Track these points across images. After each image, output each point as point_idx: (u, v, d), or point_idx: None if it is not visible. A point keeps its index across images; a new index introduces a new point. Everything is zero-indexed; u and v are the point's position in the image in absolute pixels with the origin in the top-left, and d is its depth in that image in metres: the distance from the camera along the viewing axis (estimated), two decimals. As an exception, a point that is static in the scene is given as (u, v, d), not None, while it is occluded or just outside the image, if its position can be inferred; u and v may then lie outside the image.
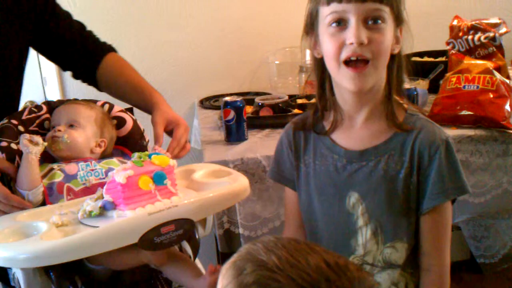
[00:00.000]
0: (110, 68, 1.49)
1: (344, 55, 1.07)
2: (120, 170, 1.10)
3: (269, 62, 2.36)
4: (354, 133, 1.18)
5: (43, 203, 1.23)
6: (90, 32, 1.54)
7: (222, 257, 1.80)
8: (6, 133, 1.29)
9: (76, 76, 1.55)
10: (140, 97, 1.44)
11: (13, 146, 1.28)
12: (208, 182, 1.26)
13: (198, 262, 1.39)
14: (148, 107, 1.42)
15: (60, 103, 1.39)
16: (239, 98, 1.74)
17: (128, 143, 1.42)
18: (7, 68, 1.43)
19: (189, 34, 2.39)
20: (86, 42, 1.51)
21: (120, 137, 1.41)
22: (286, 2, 2.37)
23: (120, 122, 1.41)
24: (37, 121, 1.36)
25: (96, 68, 1.49)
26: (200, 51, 2.41)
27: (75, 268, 1.20)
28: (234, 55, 2.42)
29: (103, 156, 1.35)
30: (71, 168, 1.26)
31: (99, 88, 1.54)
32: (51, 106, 1.39)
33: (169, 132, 1.40)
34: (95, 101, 1.43)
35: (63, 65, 1.55)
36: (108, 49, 1.53)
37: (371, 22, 1.06)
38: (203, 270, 1.37)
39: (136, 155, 1.15)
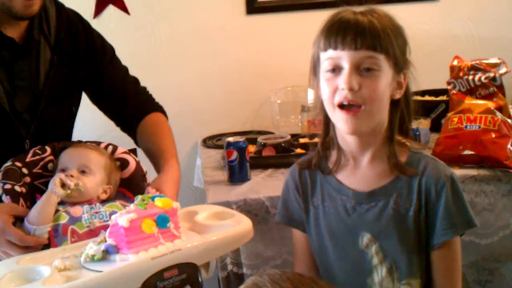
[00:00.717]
0: (147, 127, 1.53)
1: (337, 99, 1.12)
2: (123, 214, 1.10)
3: (271, 101, 2.37)
4: (360, 173, 1.20)
5: (47, 246, 1.23)
6: (143, 89, 1.60)
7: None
8: (10, 176, 1.30)
9: (118, 124, 1.59)
10: (156, 161, 1.47)
11: (17, 188, 1.29)
12: (211, 224, 1.25)
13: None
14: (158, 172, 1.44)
15: (64, 145, 1.40)
16: (242, 139, 1.74)
17: (130, 185, 1.42)
18: (61, 113, 1.48)
19: (192, 75, 2.42)
20: (136, 98, 1.56)
21: (123, 178, 1.42)
22: (287, 43, 2.40)
23: (123, 164, 1.42)
24: (41, 163, 1.37)
25: (138, 124, 1.53)
26: (203, 91, 2.44)
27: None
28: (236, 95, 2.45)
29: (107, 199, 1.35)
30: (76, 210, 1.26)
31: (136, 143, 1.57)
32: (55, 148, 1.40)
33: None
34: (99, 143, 1.44)
35: (108, 114, 1.59)
36: (154, 108, 1.58)
37: (364, 69, 1.09)
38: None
39: (139, 197, 1.16)
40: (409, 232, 1.15)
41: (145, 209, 1.12)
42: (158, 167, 1.46)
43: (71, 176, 1.29)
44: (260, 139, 1.96)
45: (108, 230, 1.12)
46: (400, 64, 1.14)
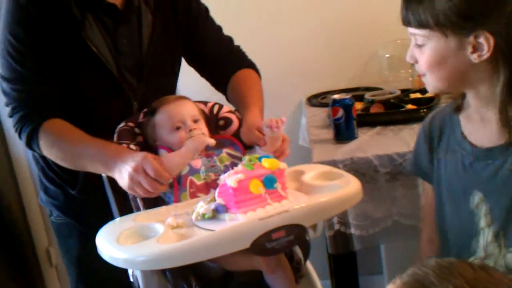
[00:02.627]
0: (235, 81, 1.52)
1: None
2: (231, 174, 1.11)
3: (379, 55, 2.27)
4: (484, 129, 1.13)
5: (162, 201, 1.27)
6: (237, 47, 1.60)
7: (332, 259, 1.78)
8: (125, 136, 1.36)
9: (212, 83, 1.60)
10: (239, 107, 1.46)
11: (132, 147, 1.34)
12: (319, 185, 1.23)
13: (308, 264, 1.37)
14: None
15: (160, 104, 1.39)
16: (348, 96, 1.69)
17: (234, 143, 1.43)
18: (165, 75, 1.52)
19: (296, 32, 2.37)
20: (229, 55, 1.56)
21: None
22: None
23: (227, 122, 1.43)
24: None
25: (228, 81, 1.53)
26: (308, 48, 2.38)
27: (190, 268, 1.23)
28: (342, 50, 2.37)
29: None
30: (196, 163, 1.29)
31: (228, 99, 1.57)
32: (147, 112, 1.41)
33: None
34: (205, 103, 1.46)
35: (202, 73, 1.61)
36: (246, 64, 1.57)
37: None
38: (313, 273, 1.37)
39: (246, 158, 1.16)
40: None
41: (252, 169, 1.12)
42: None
43: (194, 129, 1.31)
44: (368, 95, 1.90)
45: (217, 190, 1.14)
46: (459, 26, 1.04)
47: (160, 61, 1.48)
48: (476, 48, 1.04)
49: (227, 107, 1.47)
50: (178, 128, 1.32)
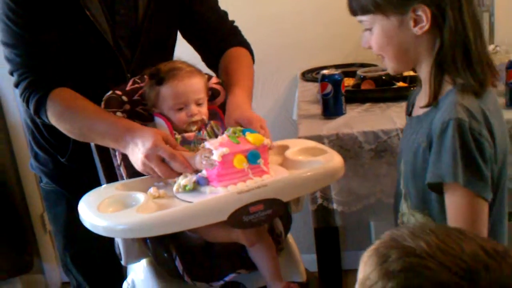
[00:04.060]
0: (226, 58, 1.50)
1: None
2: (216, 144, 1.11)
3: (375, 31, 2.25)
4: (420, 103, 1.21)
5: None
6: (231, 23, 1.57)
7: (316, 232, 1.80)
8: (111, 104, 1.35)
9: (203, 59, 1.57)
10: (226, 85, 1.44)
11: (119, 114, 1.34)
12: (301, 160, 1.24)
13: (290, 237, 1.39)
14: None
15: (169, 74, 1.34)
16: (337, 71, 1.69)
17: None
18: (159, 48, 1.51)
19: (292, 6, 2.35)
20: (222, 31, 1.54)
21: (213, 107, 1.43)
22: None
23: (215, 93, 1.42)
24: (140, 91, 1.41)
25: (219, 57, 1.51)
26: (304, 22, 2.36)
27: (171, 237, 1.25)
28: (338, 25, 2.34)
29: None
30: (189, 134, 1.29)
31: (218, 75, 1.54)
32: (152, 75, 1.38)
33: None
34: None
35: (195, 46, 1.58)
36: (239, 42, 1.54)
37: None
38: (294, 246, 1.39)
39: (230, 130, 1.16)
40: (418, 165, 1.13)
41: (238, 143, 1.12)
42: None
43: (195, 114, 1.30)
44: (360, 72, 1.89)
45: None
46: (396, 5, 1.11)
47: (155, 33, 1.47)
48: (416, 21, 1.10)
49: (216, 78, 1.46)
50: (180, 109, 1.31)
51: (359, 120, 1.65)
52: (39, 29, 1.33)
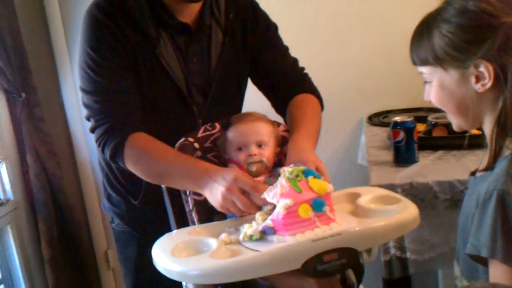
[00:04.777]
0: (293, 103, 1.50)
1: None
2: (278, 197, 1.10)
3: (444, 76, 2.21)
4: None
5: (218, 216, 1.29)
6: (301, 69, 1.58)
7: (388, 284, 1.74)
8: (184, 150, 1.38)
9: (273, 104, 1.59)
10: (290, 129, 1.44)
11: None
12: (374, 209, 1.21)
13: (361, 288, 1.35)
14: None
15: (235, 120, 1.42)
16: (409, 118, 1.66)
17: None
18: (231, 95, 1.54)
19: (357, 50, 2.36)
20: (293, 78, 1.55)
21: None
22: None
23: (284, 141, 1.42)
24: (211, 138, 1.44)
25: (287, 103, 1.52)
26: (369, 66, 2.36)
27: (241, 284, 1.24)
28: (405, 69, 2.29)
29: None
30: (259, 179, 1.29)
31: (285, 122, 1.55)
32: (224, 124, 1.45)
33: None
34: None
35: (265, 92, 1.60)
36: (308, 89, 1.54)
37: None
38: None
39: (290, 169, 1.14)
40: (468, 230, 1.06)
41: (300, 192, 1.11)
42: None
43: (254, 155, 1.32)
44: (431, 117, 1.85)
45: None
46: (456, 59, 1.05)
47: (227, 80, 1.49)
48: (478, 78, 1.04)
49: (284, 125, 1.47)
50: (240, 149, 1.34)
51: (433, 168, 1.61)
52: (117, 77, 1.37)
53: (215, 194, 1.19)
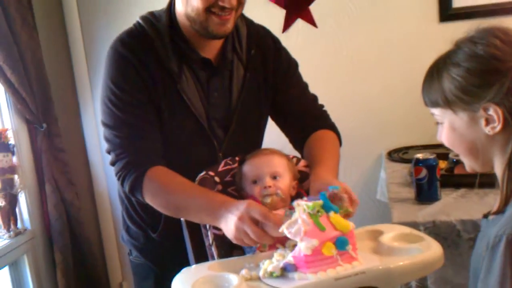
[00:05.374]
0: (311, 140, 1.51)
1: None
2: (302, 236, 1.09)
3: (464, 112, 2.20)
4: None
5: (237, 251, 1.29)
6: (321, 106, 1.59)
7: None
8: (205, 184, 1.38)
9: (291, 140, 1.59)
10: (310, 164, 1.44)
11: None
12: (398, 247, 1.19)
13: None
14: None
15: (250, 155, 1.42)
16: (432, 155, 1.64)
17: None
18: (251, 128, 1.55)
19: (377, 86, 2.37)
20: (312, 115, 1.55)
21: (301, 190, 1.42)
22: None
23: (304, 177, 1.42)
24: (231, 173, 1.44)
25: (306, 139, 1.52)
26: (389, 102, 2.37)
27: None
28: (424, 105, 2.32)
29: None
30: (278, 212, 1.27)
31: (303, 157, 1.55)
32: (240, 161, 1.44)
33: None
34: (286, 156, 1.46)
35: (283, 128, 1.60)
36: (326, 125, 1.55)
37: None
38: None
39: (312, 206, 1.13)
40: (478, 274, 1.04)
41: (324, 230, 1.10)
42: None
43: (269, 187, 1.33)
44: (452, 155, 1.83)
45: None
46: (465, 102, 1.05)
47: (247, 114, 1.50)
48: (488, 121, 1.05)
49: (304, 161, 1.47)
50: (255, 182, 1.34)
51: (456, 207, 1.59)
52: (138, 112, 1.39)
53: (229, 225, 1.19)
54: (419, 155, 1.66)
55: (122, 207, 1.61)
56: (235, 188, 1.41)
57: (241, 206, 1.18)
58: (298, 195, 1.38)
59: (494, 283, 0.97)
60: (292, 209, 1.29)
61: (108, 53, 1.42)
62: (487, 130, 1.05)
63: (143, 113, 1.39)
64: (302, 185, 1.42)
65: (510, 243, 0.97)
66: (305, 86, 1.60)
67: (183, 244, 1.38)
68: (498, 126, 1.03)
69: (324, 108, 1.59)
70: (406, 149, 2.25)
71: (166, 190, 1.35)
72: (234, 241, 1.20)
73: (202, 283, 1.12)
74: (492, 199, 1.59)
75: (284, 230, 1.12)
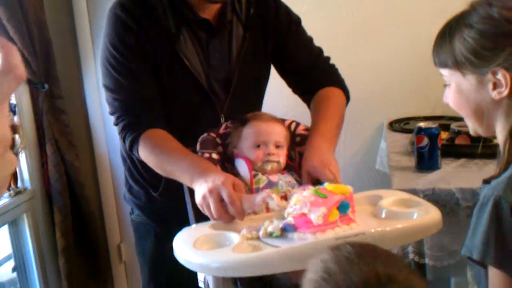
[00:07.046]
0: (317, 97, 1.51)
1: None
2: (309, 207, 1.10)
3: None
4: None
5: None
6: (327, 59, 1.58)
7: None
8: (207, 145, 1.39)
9: (299, 94, 1.58)
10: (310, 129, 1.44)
11: (214, 156, 1.38)
12: (396, 211, 1.21)
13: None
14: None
15: (254, 117, 1.42)
16: (434, 125, 1.65)
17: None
18: (252, 89, 1.55)
19: (383, 55, 2.34)
20: (319, 68, 1.55)
21: (301, 153, 1.42)
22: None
23: (303, 140, 1.43)
24: None
25: (313, 96, 1.52)
26: (393, 71, 2.35)
27: (261, 279, 1.23)
28: (428, 76, 2.29)
29: None
30: (273, 177, 1.32)
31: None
32: (243, 120, 1.44)
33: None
34: (283, 120, 1.46)
35: (291, 83, 1.59)
36: (335, 81, 1.54)
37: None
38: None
39: (311, 189, 1.15)
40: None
41: (326, 197, 1.11)
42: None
43: (273, 154, 1.34)
44: (454, 125, 1.84)
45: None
46: (475, 65, 1.05)
47: (247, 75, 1.50)
48: (496, 85, 1.04)
49: (304, 125, 1.47)
50: (258, 146, 1.34)
51: (456, 175, 1.60)
52: (138, 76, 1.40)
53: (199, 191, 1.21)
54: (422, 124, 1.67)
55: (124, 167, 1.62)
56: (226, 143, 1.42)
57: (217, 180, 1.19)
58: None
59: (478, 241, 0.99)
60: (283, 174, 1.31)
61: (108, 16, 1.42)
62: (494, 94, 1.05)
63: (142, 77, 1.40)
64: (302, 148, 1.42)
65: (496, 204, 0.98)
66: (310, 39, 1.58)
67: (184, 204, 1.39)
68: (505, 91, 1.03)
69: (331, 62, 1.58)
70: (407, 119, 2.25)
71: (156, 151, 1.37)
72: (198, 206, 1.22)
73: (203, 241, 1.14)
74: (492, 169, 1.60)
75: (289, 209, 1.14)
